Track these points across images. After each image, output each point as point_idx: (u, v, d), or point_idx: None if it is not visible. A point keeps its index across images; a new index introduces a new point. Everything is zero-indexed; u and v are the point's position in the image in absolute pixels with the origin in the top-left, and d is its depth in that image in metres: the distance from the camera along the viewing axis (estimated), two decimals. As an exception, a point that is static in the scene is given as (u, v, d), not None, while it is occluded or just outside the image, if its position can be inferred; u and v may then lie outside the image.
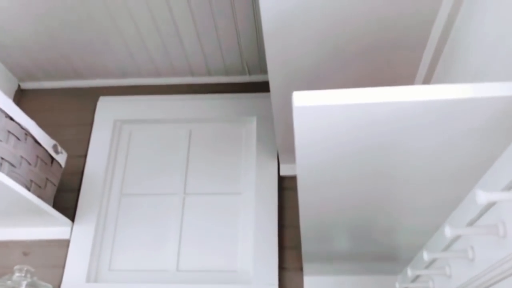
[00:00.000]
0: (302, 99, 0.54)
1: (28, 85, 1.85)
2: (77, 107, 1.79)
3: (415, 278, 1.20)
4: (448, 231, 0.65)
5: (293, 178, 1.58)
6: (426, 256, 0.80)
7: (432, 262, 0.97)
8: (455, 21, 0.87)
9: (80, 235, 1.53)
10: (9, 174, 1.27)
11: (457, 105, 0.54)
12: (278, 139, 1.40)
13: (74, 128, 1.74)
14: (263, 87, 1.74)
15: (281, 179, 1.58)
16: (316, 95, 0.54)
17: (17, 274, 1.33)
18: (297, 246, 1.47)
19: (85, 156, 1.68)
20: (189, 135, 1.72)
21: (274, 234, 1.48)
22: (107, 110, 1.74)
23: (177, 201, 1.60)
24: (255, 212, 1.52)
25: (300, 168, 0.68)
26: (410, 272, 0.92)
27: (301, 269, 1.44)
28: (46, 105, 1.81)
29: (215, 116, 1.70)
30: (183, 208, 1.59)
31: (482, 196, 0.54)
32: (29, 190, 1.35)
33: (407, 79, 1.09)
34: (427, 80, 1.05)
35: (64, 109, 1.79)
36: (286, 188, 1.57)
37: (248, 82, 1.77)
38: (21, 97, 1.84)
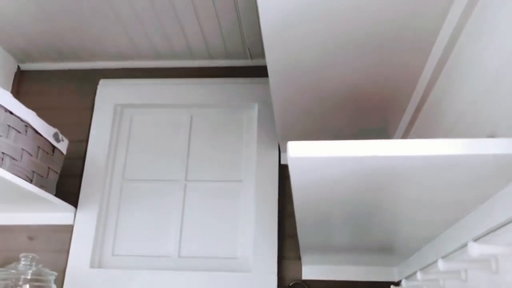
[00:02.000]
0: (296, 150, 0.54)
1: (27, 66, 1.83)
2: (77, 89, 1.77)
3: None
4: (441, 265, 0.66)
5: (293, 167, 1.58)
6: (419, 276, 0.81)
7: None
8: (464, 26, 0.84)
9: (83, 221, 1.56)
10: (11, 168, 1.28)
11: (445, 160, 0.54)
12: (278, 128, 1.39)
13: (74, 111, 1.74)
14: (265, 71, 1.71)
15: (282, 168, 1.58)
16: (309, 147, 0.54)
17: (22, 263, 1.36)
18: (297, 236, 1.49)
19: (87, 141, 1.68)
20: (190, 120, 1.71)
21: (274, 223, 1.50)
22: (108, 94, 1.73)
23: (179, 188, 1.62)
24: (255, 200, 1.53)
25: (297, 201, 0.69)
26: (404, 284, 0.94)
27: (300, 258, 1.47)
28: (46, 87, 1.79)
29: (216, 101, 1.68)
30: (184, 195, 1.61)
31: (475, 249, 0.54)
32: (31, 181, 1.36)
33: (409, 81, 1.07)
34: (431, 83, 1.02)
35: (64, 92, 1.78)
36: (287, 177, 1.57)
37: (250, 66, 1.74)
38: (21, 79, 1.82)
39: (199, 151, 1.66)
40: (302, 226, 0.95)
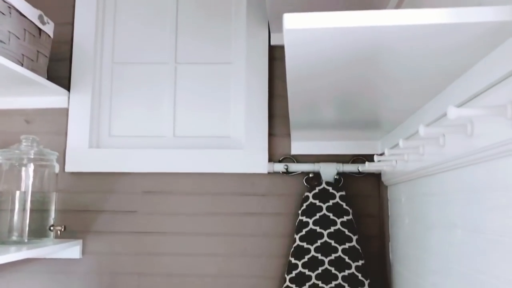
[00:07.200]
0: (292, 22, 0.56)
1: None
2: (56, -32, 1.69)
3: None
4: (422, 131, 0.72)
5: (283, 48, 1.59)
6: (401, 143, 0.88)
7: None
8: None
9: (77, 103, 1.59)
10: (1, 52, 1.27)
11: (434, 29, 0.57)
12: (269, 6, 1.37)
13: (56, -8, 1.67)
14: None
15: (272, 49, 1.59)
16: (304, 18, 0.55)
17: (24, 144, 1.42)
18: (286, 115, 1.56)
19: (72, 23, 1.65)
20: (176, 1, 1.66)
21: (265, 103, 1.55)
22: (89, -27, 1.65)
23: (169, 70, 1.63)
24: (246, 82, 1.56)
25: (290, 76, 0.72)
26: (387, 153, 1.01)
27: (289, 135, 1.55)
28: (22, -34, 1.70)
29: (203, -21, 1.63)
30: (175, 77, 1.63)
31: (453, 112, 0.59)
32: (22, 65, 1.37)
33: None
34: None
35: (43, -29, 1.69)
36: (277, 58, 1.59)
37: None
38: (-6, -44, 1.71)
39: (188, 32, 1.65)
40: (293, 102, 0.99)
